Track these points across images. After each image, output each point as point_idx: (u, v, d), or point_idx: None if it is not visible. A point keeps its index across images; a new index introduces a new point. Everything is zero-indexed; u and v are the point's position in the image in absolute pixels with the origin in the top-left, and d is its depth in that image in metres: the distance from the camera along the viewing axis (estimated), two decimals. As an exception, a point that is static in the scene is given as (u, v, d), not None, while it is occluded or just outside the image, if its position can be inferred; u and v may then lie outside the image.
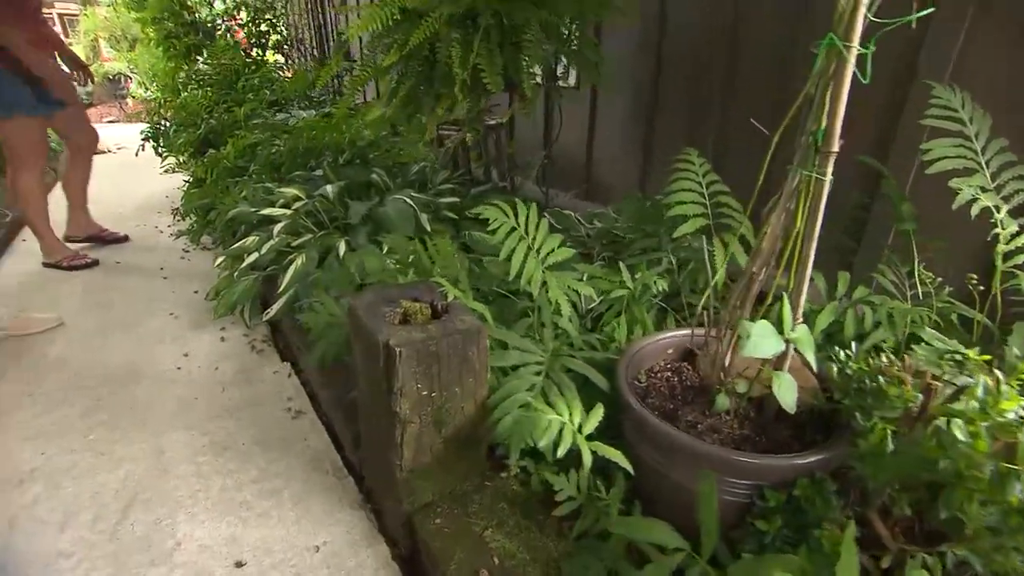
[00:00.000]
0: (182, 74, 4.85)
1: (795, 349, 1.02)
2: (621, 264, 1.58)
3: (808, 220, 0.96)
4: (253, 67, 4.87)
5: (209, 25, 5.22)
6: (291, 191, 2.19)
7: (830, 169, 0.91)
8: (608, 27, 2.46)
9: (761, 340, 0.93)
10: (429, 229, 2.02)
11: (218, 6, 5.29)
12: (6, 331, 2.11)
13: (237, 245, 2.13)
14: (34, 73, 2.40)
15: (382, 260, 1.62)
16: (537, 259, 1.35)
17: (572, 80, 2.71)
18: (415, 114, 2.10)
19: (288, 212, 2.11)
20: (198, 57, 5.02)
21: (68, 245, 2.90)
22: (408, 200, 2.08)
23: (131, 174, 4.95)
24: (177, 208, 3.66)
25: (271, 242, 2.08)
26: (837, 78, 0.84)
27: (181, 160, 4.55)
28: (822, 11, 1.68)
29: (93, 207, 3.24)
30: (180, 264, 2.94)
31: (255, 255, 2.09)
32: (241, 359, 1.99)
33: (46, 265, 2.81)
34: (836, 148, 0.89)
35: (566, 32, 2.09)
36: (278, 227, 2.06)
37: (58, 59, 2.83)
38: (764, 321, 0.96)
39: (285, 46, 5.73)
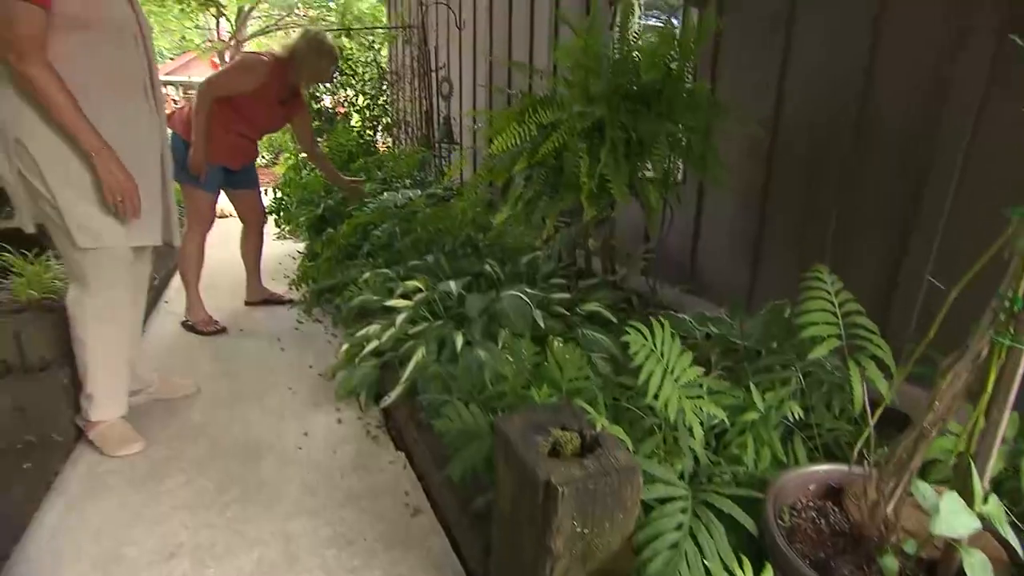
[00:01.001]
0: (304, 155, 5.40)
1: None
2: (752, 385, 1.53)
3: (1001, 387, 0.90)
4: (365, 147, 5.35)
5: (331, 111, 5.83)
6: (412, 283, 2.33)
7: (1030, 337, 0.86)
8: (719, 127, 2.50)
9: (953, 517, 0.86)
10: (544, 326, 2.07)
11: (340, 93, 5.94)
12: (153, 395, 2.32)
13: (361, 333, 2.27)
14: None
15: (510, 365, 1.67)
16: (673, 381, 1.34)
17: (679, 175, 2.75)
18: (535, 213, 2.21)
19: (410, 304, 2.24)
20: (318, 139, 5.59)
21: (212, 315, 3.19)
22: (523, 297, 2.15)
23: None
24: (292, 278, 3.96)
25: (391, 330, 2.20)
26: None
27: (292, 228, 4.98)
28: (957, 121, 1.63)
29: (218, 271, 3.63)
30: (295, 336, 3.14)
31: (375, 342, 2.21)
32: (357, 444, 2.07)
33: (184, 325, 3.11)
34: (1039, 317, 0.85)
35: (683, 138, 2.15)
36: (401, 317, 2.19)
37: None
38: (953, 494, 0.89)
39: (393, 128, 6.27)
